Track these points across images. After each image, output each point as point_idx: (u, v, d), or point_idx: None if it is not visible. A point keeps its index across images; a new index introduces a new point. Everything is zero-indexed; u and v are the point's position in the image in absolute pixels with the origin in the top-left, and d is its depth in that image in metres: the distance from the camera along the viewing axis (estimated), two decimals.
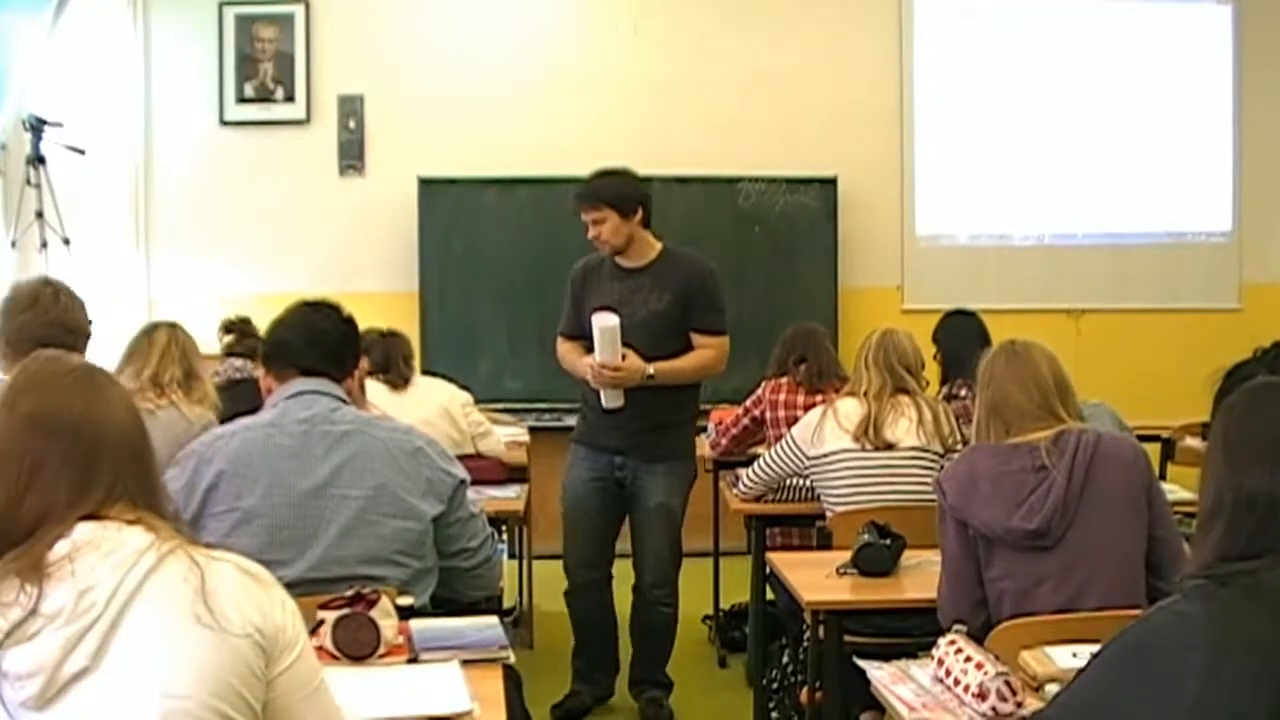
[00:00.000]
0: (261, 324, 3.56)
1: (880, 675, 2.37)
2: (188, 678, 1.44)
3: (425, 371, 5.10)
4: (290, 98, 6.75)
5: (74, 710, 1.42)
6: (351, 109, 6.78)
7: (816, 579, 3.03)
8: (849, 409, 3.73)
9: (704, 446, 4.70)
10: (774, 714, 3.97)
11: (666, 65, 6.84)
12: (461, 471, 2.70)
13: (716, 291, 4.16)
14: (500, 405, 5.92)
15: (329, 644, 2.22)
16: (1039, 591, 2.50)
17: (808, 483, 3.88)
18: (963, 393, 4.27)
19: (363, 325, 2.88)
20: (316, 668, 1.61)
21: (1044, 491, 2.52)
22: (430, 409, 4.36)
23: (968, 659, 2.22)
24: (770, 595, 4.12)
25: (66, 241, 5.48)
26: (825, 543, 3.52)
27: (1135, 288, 7.11)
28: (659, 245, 4.15)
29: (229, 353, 4.84)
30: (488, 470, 4.42)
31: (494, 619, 2.47)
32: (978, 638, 2.39)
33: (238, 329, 4.96)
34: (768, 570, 3.77)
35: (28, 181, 5.43)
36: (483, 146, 6.68)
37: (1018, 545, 2.53)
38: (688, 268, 4.13)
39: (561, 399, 5.99)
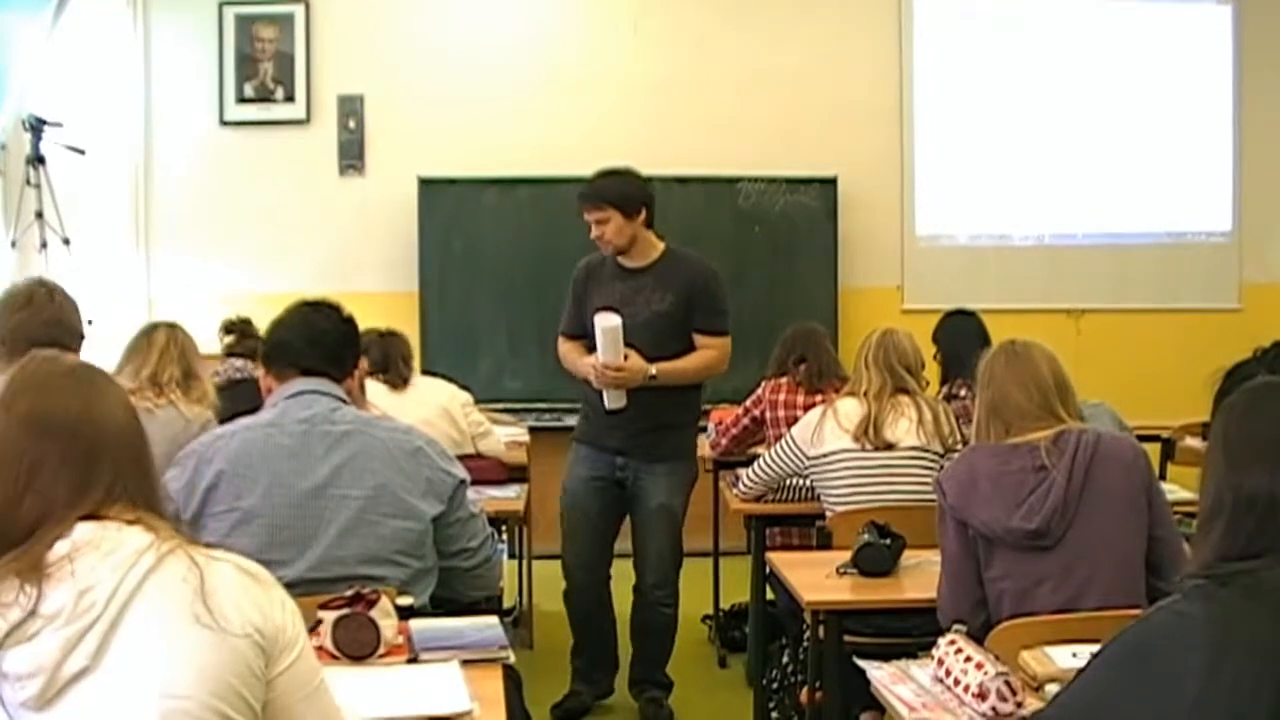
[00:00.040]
0: (261, 324, 3.56)
1: (880, 675, 2.37)
2: (187, 678, 1.44)
3: (425, 371, 5.10)
4: (290, 98, 6.75)
5: (74, 710, 1.42)
6: (351, 109, 6.78)
7: (816, 579, 3.03)
8: (849, 409, 3.73)
9: (704, 446, 4.70)
10: (774, 714, 3.97)
11: (666, 65, 6.84)
12: (461, 471, 2.70)
13: (719, 292, 4.16)
14: (500, 405, 5.92)
15: (329, 644, 2.22)
16: (1039, 591, 2.50)
17: (808, 483, 3.88)
18: (963, 393, 4.27)
19: (362, 325, 2.88)
20: (316, 668, 1.61)
21: (1044, 491, 2.52)
22: (430, 409, 4.36)
23: (968, 659, 2.22)
24: (770, 595, 4.12)
25: (66, 241, 5.48)
26: (825, 543, 3.52)
27: (1135, 288, 7.11)
28: (661, 245, 4.15)
29: (229, 353, 4.85)
30: (488, 470, 4.42)
31: (494, 619, 2.47)
32: (978, 638, 2.39)
33: (238, 329, 4.96)
34: (768, 570, 3.77)
35: (28, 181, 5.43)
36: (483, 146, 6.68)
37: (1018, 545, 2.53)
38: (690, 268, 4.13)
39: (561, 399, 6.00)
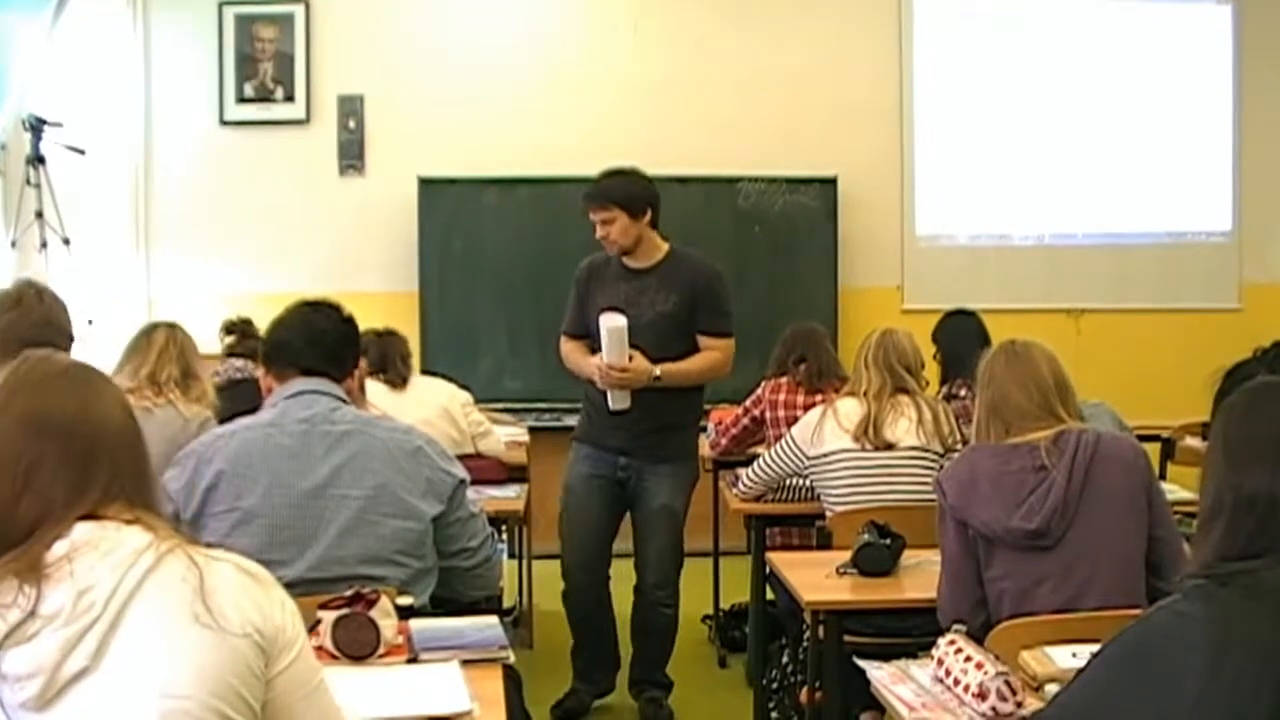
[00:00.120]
0: (262, 324, 3.56)
1: (880, 675, 2.37)
2: (187, 677, 1.44)
3: (425, 371, 5.10)
4: (290, 98, 6.75)
5: (73, 711, 1.42)
6: (351, 109, 6.78)
7: (816, 579, 3.03)
8: (849, 409, 3.73)
9: (704, 446, 4.70)
10: (774, 714, 3.97)
11: (666, 65, 6.84)
12: (461, 471, 2.70)
13: (724, 294, 4.15)
14: (500, 405, 5.92)
15: (329, 644, 2.21)
16: (1039, 591, 2.50)
17: (807, 482, 3.88)
18: (962, 393, 4.27)
19: (362, 325, 2.88)
20: (316, 667, 1.61)
21: (1044, 491, 2.52)
22: (430, 409, 4.36)
23: (968, 659, 2.22)
24: (770, 595, 4.12)
25: (66, 241, 5.48)
26: (825, 542, 3.52)
27: (1135, 288, 7.11)
28: (665, 246, 4.14)
29: (230, 353, 4.85)
30: (488, 470, 4.42)
31: (494, 619, 2.47)
32: (978, 638, 2.39)
33: (239, 330, 4.97)
34: (768, 570, 3.77)
35: (28, 181, 5.42)
36: (483, 146, 6.68)
37: (1018, 545, 2.53)
38: (695, 269, 4.12)
39: (561, 399, 6.00)
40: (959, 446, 3.60)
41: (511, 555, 5.09)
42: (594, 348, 4.09)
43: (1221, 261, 7.19)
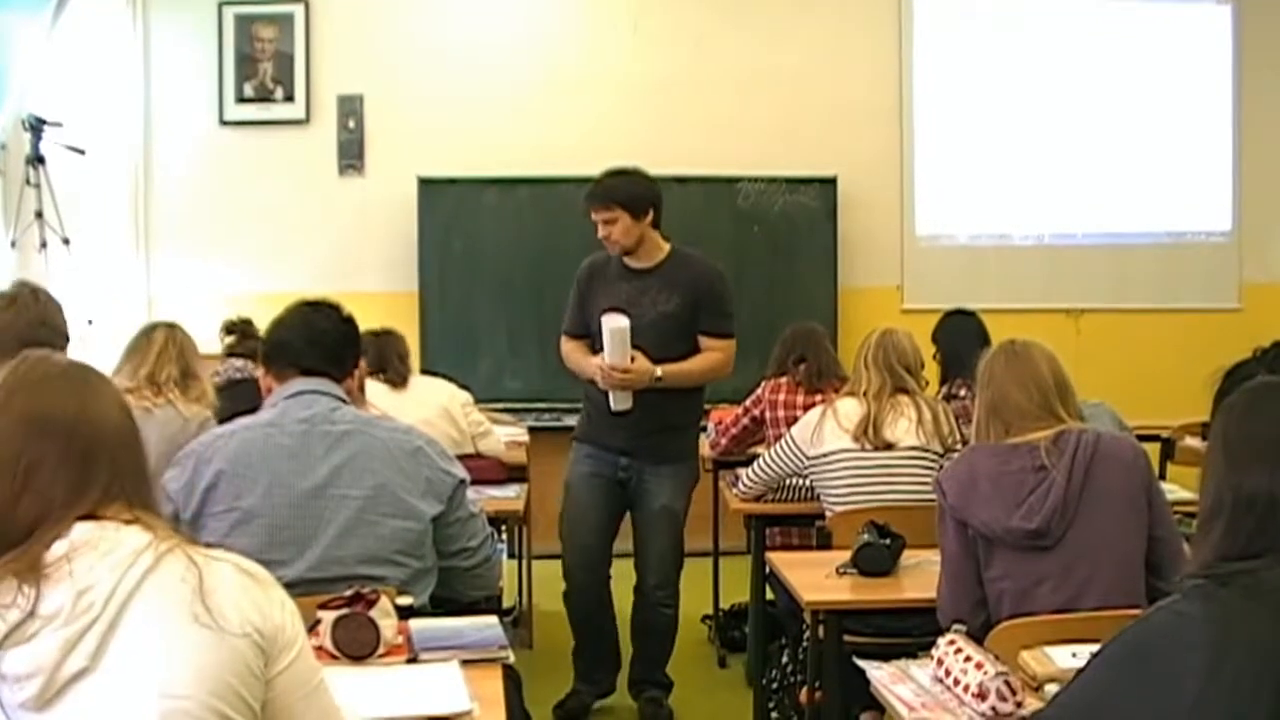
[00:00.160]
0: (262, 324, 3.56)
1: (880, 675, 2.37)
2: (186, 677, 1.44)
3: (425, 371, 5.10)
4: (290, 98, 6.75)
5: (73, 711, 1.42)
6: (351, 109, 6.78)
7: (816, 579, 3.03)
8: (848, 409, 3.73)
9: (704, 446, 4.70)
10: (774, 714, 3.97)
11: (666, 65, 6.84)
12: (461, 471, 2.70)
13: (725, 294, 4.15)
14: (500, 405, 5.92)
15: (328, 644, 2.21)
16: (1039, 591, 2.50)
17: (807, 482, 3.88)
18: (962, 393, 4.27)
19: (362, 325, 2.88)
20: (315, 667, 1.61)
21: (1044, 491, 2.52)
22: (430, 409, 4.36)
23: (967, 659, 2.22)
24: (770, 595, 4.12)
25: (66, 241, 5.48)
26: (825, 542, 3.52)
27: (1135, 288, 7.11)
28: (667, 246, 4.14)
29: (230, 353, 4.85)
30: (487, 470, 4.42)
31: (493, 619, 2.47)
32: (977, 638, 2.39)
33: (239, 330, 4.97)
34: (767, 570, 3.77)
35: (27, 181, 5.42)
36: (483, 146, 6.68)
37: (1017, 545, 2.53)
38: (697, 270, 4.12)
39: (561, 399, 6.00)
40: (959, 446, 3.60)
41: (511, 555, 5.09)
42: (594, 348, 4.09)
43: (1221, 261, 7.19)
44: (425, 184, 6.63)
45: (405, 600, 2.44)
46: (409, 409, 3.94)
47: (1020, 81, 7.06)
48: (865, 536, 3.05)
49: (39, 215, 5.39)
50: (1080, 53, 7.07)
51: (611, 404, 4.02)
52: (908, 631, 2.90)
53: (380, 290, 6.50)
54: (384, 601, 2.31)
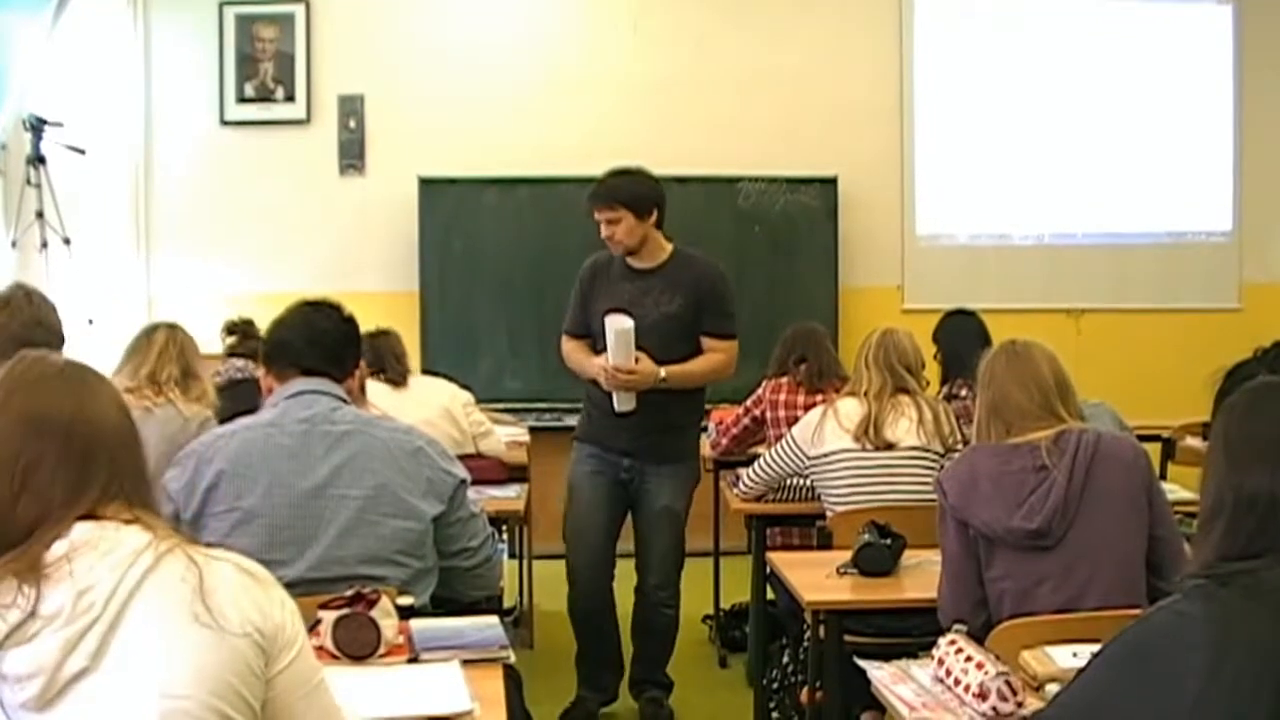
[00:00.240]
0: (262, 324, 3.56)
1: (880, 675, 2.37)
2: (187, 677, 1.44)
3: (426, 371, 5.10)
4: (290, 97, 6.75)
5: (73, 711, 1.42)
6: (351, 109, 6.78)
7: (817, 579, 3.03)
8: (849, 409, 3.73)
9: (705, 446, 4.70)
10: (774, 714, 3.97)
11: (666, 65, 6.84)
12: (462, 471, 2.70)
13: (728, 295, 4.14)
14: (500, 405, 5.92)
15: (329, 644, 2.21)
16: (1039, 591, 2.50)
17: (808, 482, 3.88)
18: (963, 393, 4.27)
19: (362, 325, 2.88)
20: (316, 666, 1.61)
21: (1044, 491, 2.52)
22: (431, 409, 4.36)
23: (968, 659, 2.22)
24: (770, 595, 4.12)
25: (67, 241, 5.48)
26: (825, 543, 3.52)
27: (1135, 288, 7.11)
28: (670, 246, 4.12)
29: (231, 353, 4.85)
30: (488, 470, 4.42)
31: (494, 619, 2.47)
32: (978, 638, 2.39)
33: (240, 330, 4.97)
34: (768, 570, 3.77)
35: (28, 181, 5.42)
36: (483, 146, 6.68)
37: (1018, 545, 2.53)
38: (700, 270, 4.11)
39: (562, 399, 6.00)
40: (959, 446, 3.60)
41: (512, 555, 5.09)
42: (595, 348, 4.08)
43: (1221, 261, 7.19)
44: (426, 184, 6.63)
45: (406, 600, 2.44)
46: (410, 409, 3.94)
47: (1020, 81, 7.06)
48: (866, 536, 3.05)
49: (39, 215, 5.39)
50: (1080, 52, 7.07)
51: (615, 405, 4.01)
52: (908, 631, 2.90)
53: (381, 290, 6.50)
54: (385, 601, 2.31)
